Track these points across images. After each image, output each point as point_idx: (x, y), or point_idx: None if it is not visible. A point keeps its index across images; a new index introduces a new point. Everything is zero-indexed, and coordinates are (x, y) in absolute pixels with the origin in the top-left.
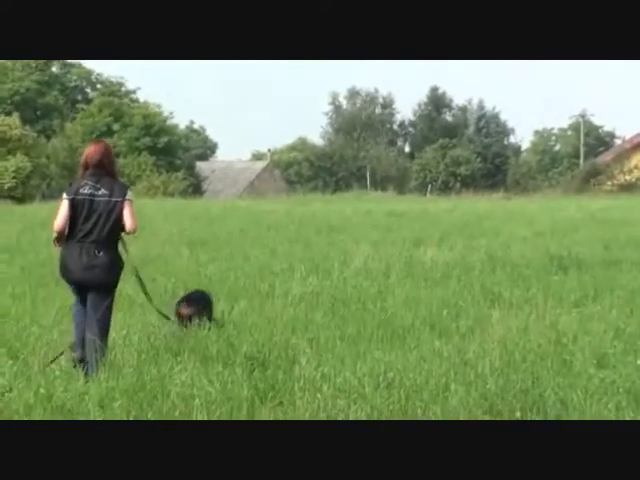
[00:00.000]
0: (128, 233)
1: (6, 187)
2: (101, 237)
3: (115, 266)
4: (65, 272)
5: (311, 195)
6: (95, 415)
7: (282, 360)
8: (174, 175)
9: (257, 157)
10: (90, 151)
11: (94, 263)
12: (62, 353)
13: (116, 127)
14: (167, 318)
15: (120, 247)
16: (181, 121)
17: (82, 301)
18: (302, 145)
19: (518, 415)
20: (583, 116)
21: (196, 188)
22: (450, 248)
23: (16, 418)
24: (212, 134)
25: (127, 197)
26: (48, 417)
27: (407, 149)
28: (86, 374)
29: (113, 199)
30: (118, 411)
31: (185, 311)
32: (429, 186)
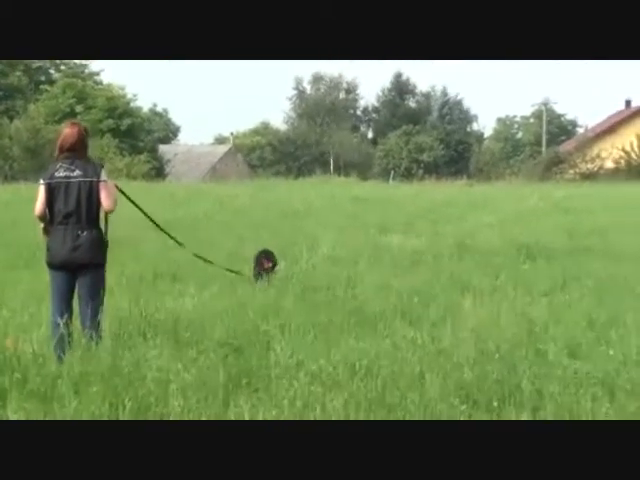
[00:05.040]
0: (106, 212)
1: None
2: (81, 217)
3: (99, 244)
4: (51, 256)
5: (274, 179)
6: (70, 400)
7: (255, 347)
8: (137, 158)
9: (219, 141)
10: (65, 134)
11: (78, 243)
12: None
13: (79, 109)
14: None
15: (102, 225)
16: (144, 104)
17: (66, 300)
18: (265, 129)
19: (495, 405)
20: (545, 104)
21: (159, 171)
22: (416, 235)
23: None
24: (174, 117)
25: (102, 177)
26: (23, 401)
27: (370, 135)
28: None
29: (88, 179)
30: (95, 397)
31: (267, 264)
32: (392, 172)
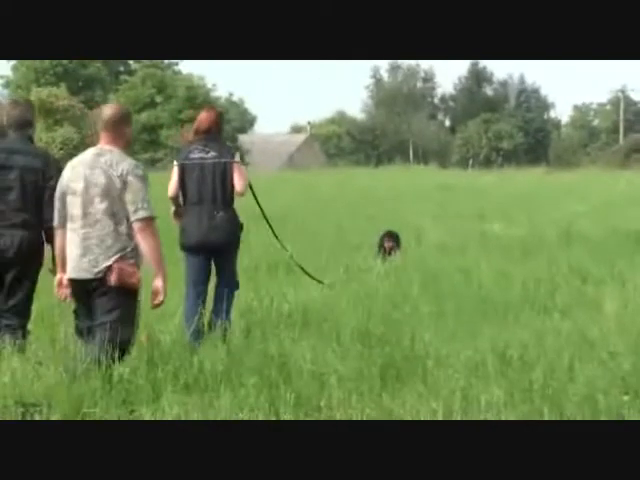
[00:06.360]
0: (238, 194)
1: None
2: (216, 198)
3: (235, 225)
4: (186, 237)
5: (355, 168)
6: (225, 395)
7: (395, 336)
8: None
9: (296, 130)
10: (201, 118)
11: (214, 224)
12: None
13: (159, 99)
14: (320, 282)
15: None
16: (221, 93)
17: (202, 286)
18: (341, 118)
19: None
20: (623, 91)
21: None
22: (515, 223)
23: (144, 397)
24: (250, 107)
25: (235, 159)
26: (178, 395)
27: (448, 123)
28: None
29: (222, 160)
30: (251, 390)
31: (389, 244)
32: (470, 160)
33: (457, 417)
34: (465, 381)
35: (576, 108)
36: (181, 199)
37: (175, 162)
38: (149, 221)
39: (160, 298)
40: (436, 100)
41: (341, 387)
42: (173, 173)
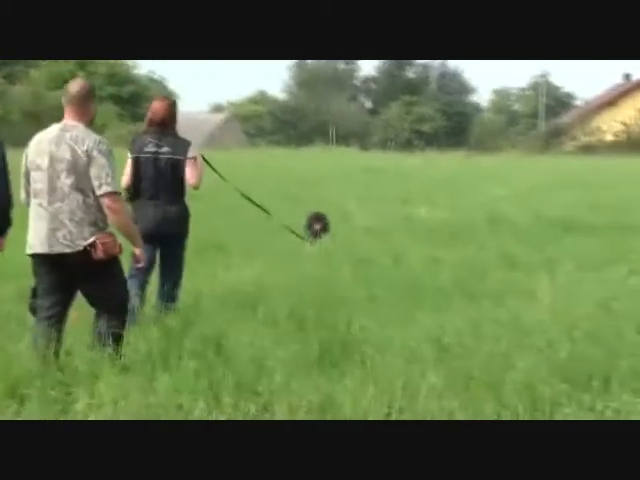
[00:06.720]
0: (193, 188)
1: None
2: (168, 193)
3: (185, 218)
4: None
5: (275, 148)
6: (163, 378)
7: (329, 320)
8: (139, 125)
9: (216, 109)
10: (154, 109)
11: (165, 217)
12: None
13: (81, 75)
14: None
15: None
16: (141, 71)
17: (146, 272)
18: (263, 98)
19: (595, 384)
20: (543, 76)
21: None
22: (438, 207)
23: (81, 379)
24: (171, 85)
25: (190, 153)
26: (118, 378)
27: (369, 105)
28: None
29: (176, 156)
30: (187, 372)
31: (318, 226)
32: (392, 142)
33: (398, 403)
34: (403, 367)
35: (496, 92)
36: (132, 191)
37: (129, 154)
38: (114, 195)
39: (142, 261)
40: (358, 82)
41: (281, 372)
42: (127, 165)
